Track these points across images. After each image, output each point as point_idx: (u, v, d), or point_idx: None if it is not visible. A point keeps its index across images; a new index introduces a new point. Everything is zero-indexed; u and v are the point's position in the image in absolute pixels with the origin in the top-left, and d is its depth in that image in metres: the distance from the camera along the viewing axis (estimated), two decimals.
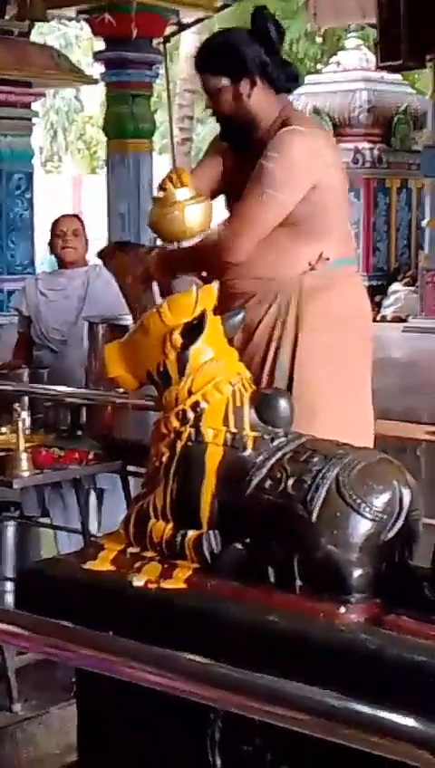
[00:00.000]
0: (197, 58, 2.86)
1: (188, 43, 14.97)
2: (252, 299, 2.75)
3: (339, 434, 2.17)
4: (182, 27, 8.57)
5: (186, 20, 8.29)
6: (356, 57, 13.04)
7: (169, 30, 7.93)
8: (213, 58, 2.80)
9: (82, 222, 4.49)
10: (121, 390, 2.53)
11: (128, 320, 3.46)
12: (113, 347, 2.08)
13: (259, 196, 2.65)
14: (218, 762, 1.81)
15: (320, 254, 2.73)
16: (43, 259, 8.96)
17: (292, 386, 2.70)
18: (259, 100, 2.75)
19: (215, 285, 2.08)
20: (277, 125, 2.72)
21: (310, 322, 2.74)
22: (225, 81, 2.75)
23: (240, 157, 2.81)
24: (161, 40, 7.85)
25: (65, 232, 4.34)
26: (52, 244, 4.42)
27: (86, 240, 4.43)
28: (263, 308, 2.75)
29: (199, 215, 2.72)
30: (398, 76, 13.25)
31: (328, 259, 2.75)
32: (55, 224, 4.40)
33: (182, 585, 1.88)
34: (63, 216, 4.52)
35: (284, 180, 2.64)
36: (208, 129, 18.42)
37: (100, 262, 3.21)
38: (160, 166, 10.88)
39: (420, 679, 1.58)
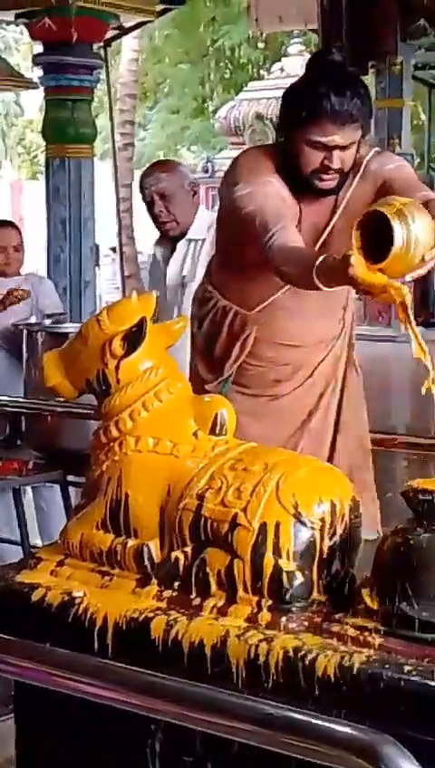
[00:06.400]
0: (345, 109, 2.47)
1: (129, 47, 14.92)
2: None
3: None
4: (123, 32, 8.55)
5: (126, 24, 8.26)
6: (299, 63, 13.13)
7: (109, 34, 7.89)
8: (364, 110, 2.51)
9: (19, 231, 4.45)
10: (61, 399, 2.50)
11: (67, 327, 3.43)
12: (52, 355, 2.06)
13: None
14: None
15: None
16: None
17: (339, 421, 2.77)
18: None
19: (155, 293, 2.06)
20: None
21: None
22: (359, 133, 2.52)
23: (307, 202, 2.64)
24: (102, 44, 7.82)
25: (5, 247, 4.31)
26: None
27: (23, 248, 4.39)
28: (325, 347, 2.76)
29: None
30: None
31: None
32: None
33: (119, 595, 1.86)
34: (2, 228, 4.44)
35: None
36: (149, 135, 18.35)
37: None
38: (102, 171, 10.81)
39: (359, 687, 1.58)
